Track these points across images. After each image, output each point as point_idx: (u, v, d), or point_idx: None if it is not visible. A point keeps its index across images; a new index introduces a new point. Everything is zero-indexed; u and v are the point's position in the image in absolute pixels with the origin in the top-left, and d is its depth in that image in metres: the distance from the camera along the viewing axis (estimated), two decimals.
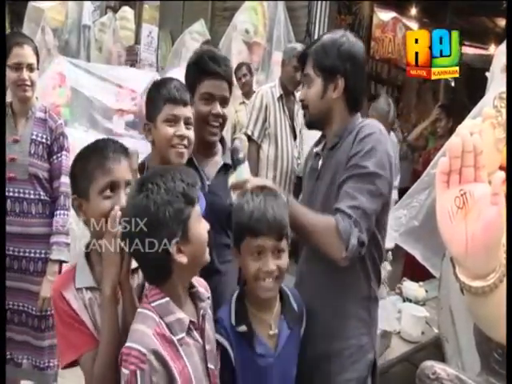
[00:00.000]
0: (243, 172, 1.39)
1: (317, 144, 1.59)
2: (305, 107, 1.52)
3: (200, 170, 1.56)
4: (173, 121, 1.40)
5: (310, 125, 1.55)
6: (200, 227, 1.08)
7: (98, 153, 1.13)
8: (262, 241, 1.20)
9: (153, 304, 1.05)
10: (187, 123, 1.43)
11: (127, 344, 0.99)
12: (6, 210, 2.09)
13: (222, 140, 1.69)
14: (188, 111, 1.43)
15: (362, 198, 1.31)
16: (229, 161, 1.62)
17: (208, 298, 1.19)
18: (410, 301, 2.61)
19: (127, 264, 1.10)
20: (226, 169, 1.61)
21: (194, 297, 1.15)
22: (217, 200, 1.52)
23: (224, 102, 1.59)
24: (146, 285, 1.19)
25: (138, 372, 0.95)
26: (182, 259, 1.03)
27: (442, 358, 2.15)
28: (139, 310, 1.07)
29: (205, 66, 1.55)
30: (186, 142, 1.41)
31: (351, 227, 1.28)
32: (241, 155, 1.57)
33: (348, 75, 1.43)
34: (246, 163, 1.46)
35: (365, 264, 1.43)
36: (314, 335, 1.39)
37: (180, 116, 1.41)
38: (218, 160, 1.64)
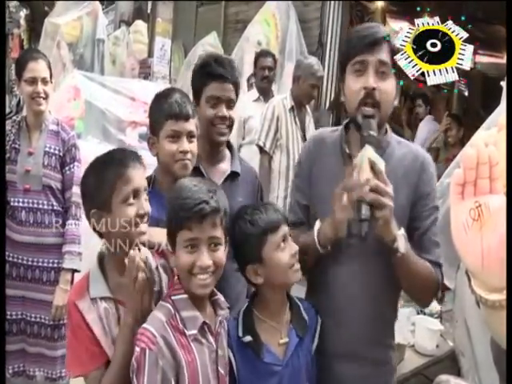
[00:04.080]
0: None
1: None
2: (375, 104, 1.21)
3: (206, 178, 1.55)
4: (175, 136, 1.39)
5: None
6: None
7: (116, 163, 1.14)
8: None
9: (173, 297, 1.12)
10: (190, 136, 1.42)
11: (143, 325, 1.06)
12: (22, 220, 2.13)
13: (230, 147, 1.67)
14: (190, 125, 1.42)
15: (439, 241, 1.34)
16: (237, 169, 1.61)
17: (228, 307, 1.23)
18: (424, 313, 2.57)
19: (149, 300, 1.14)
20: (233, 177, 1.60)
21: (215, 304, 1.20)
22: None
23: (230, 104, 1.57)
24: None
25: (147, 351, 1.02)
26: None
27: (457, 372, 2.11)
28: (161, 302, 1.14)
29: (210, 69, 1.54)
30: (189, 155, 1.40)
31: (442, 276, 1.33)
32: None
33: None
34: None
35: None
36: (353, 335, 1.32)
37: (182, 131, 1.39)
38: (225, 168, 1.62)
